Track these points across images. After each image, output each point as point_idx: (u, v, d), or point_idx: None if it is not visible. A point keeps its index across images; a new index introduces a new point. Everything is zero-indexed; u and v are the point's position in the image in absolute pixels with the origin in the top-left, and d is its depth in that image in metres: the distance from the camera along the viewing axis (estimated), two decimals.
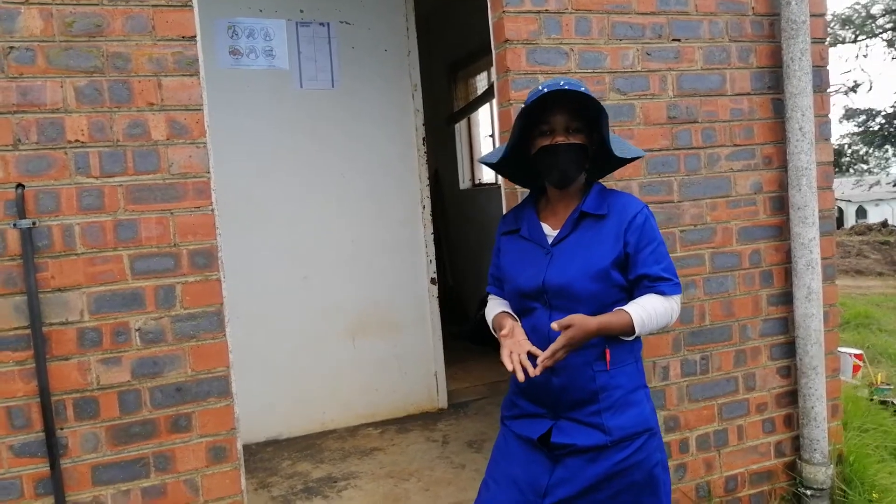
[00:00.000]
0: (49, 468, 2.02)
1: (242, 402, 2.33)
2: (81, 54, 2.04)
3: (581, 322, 1.65)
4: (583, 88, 1.76)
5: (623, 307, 1.75)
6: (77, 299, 2.05)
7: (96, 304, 2.06)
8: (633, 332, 1.73)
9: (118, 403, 2.10)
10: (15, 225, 1.97)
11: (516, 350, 1.71)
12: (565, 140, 1.76)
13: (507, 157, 1.88)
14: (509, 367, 1.68)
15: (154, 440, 2.14)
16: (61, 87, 2.03)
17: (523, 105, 1.81)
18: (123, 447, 2.11)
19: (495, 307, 1.97)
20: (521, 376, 1.65)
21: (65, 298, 2.04)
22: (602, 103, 1.77)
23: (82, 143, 2.05)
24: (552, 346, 1.64)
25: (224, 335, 2.20)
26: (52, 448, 2.02)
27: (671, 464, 2.77)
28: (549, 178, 1.84)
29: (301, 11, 3.79)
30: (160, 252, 2.12)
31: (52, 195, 2.02)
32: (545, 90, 1.74)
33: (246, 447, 3.64)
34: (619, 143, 1.85)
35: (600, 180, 1.95)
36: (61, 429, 2.05)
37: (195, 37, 2.15)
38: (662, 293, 1.77)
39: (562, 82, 1.76)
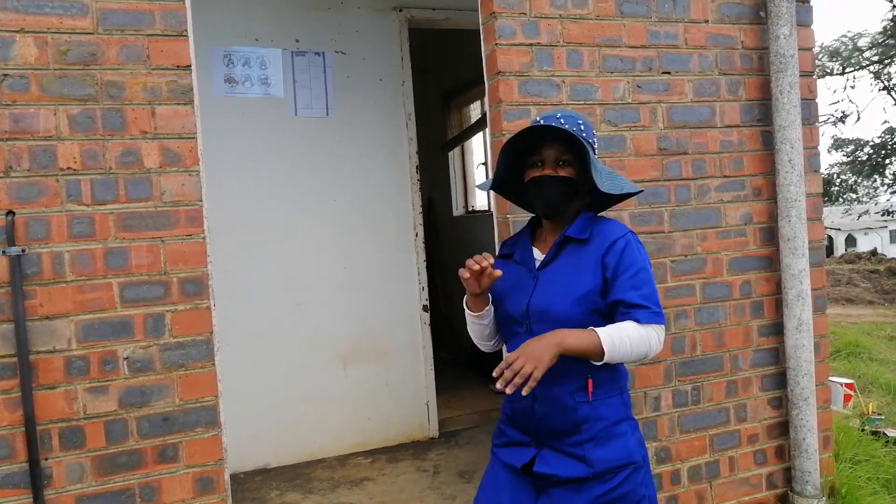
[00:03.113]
0: (32, 500, 1.98)
1: (231, 430, 2.30)
2: (75, 82, 2.05)
3: (541, 336, 1.63)
4: (580, 121, 1.78)
5: (593, 328, 1.69)
6: (65, 327, 2.03)
7: (84, 332, 2.05)
8: (603, 355, 1.66)
9: (104, 433, 2.07)
10: (4, 252, 1.96)
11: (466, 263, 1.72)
12: (553, 173, 1.78)
13: (504, 185, 1.91)
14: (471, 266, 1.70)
15: (140, 470, 2.10)
16: (54, 114, 2.03)
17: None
18: (109, 477, 2.07)
19: None
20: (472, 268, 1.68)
21: (53, 326, 2.02)
22: (593, 138, 1.79)
23: (74, 170, 2.05)
24: (510, 355, 1.60)
25: (213, 364, 2.18)
26: (36, 479, 1.98)
27: (663, 496, 2.75)
28: (536, 208, 1.87)
29: (297, 41, 3.83)
30: (150, 280, 2.11)
31: (43, 222, 2.02)
32: (541, 122, 1.76)
33: (234, 476, 3.59)
34: (611, 178, 1.83)
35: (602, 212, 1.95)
36: (46, 459, 2.01)
37: (190, 66, 2.16)
38: (637, 320, 1.69)
39: (558, 114, 1.78)
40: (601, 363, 1.70)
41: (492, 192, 2.11)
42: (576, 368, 1.72)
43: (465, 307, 1.91)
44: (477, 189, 6.12)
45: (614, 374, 1.80)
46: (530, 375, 1.56)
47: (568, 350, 1.63)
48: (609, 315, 1.77)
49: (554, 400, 1.74)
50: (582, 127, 1.77)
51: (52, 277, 2.02)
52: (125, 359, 2.09)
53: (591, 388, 1.74)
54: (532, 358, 1.58)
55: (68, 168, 2.04)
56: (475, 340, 1.99)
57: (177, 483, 2.14)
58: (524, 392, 1.59)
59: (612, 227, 1.82)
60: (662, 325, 1.75)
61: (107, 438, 2.07)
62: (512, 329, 1.83)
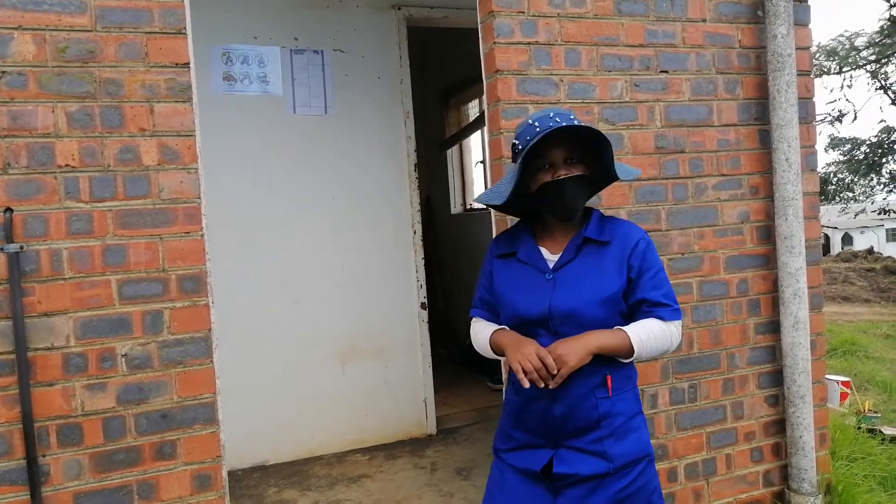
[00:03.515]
0: (29, 496, 1.98)
1: (229, 427, 2.30)
2: (74, 80, 2.05)
3: (575, 337, 1.69)
4: (572, 117, 1.77)
5: (620, 327, 1.74)
6: (63, 324, 2.03)
7: (83, 329, 2.05)
8: (632, 353, 1.72)
9: (102, 430, 2.07)
10: (2, 249, 1.96)
11: (537, 355, 1.68)
12: (567, 173, 1.75)
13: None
14: (528, 369, 1.66)
15: (138, 468, 2.11)
16: (53, 111, 2.03)
17: (514, 141, 1.81)
18: (107, 475, 2.07)
19: (486, 327, 1.93)
20: (525, 382, 1.67)
21: (51, 323, 2.02)
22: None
23: (73, 167, 2.05)
24: (540, 351, 1.68)
25: (211, 361, 2.18)
26: (34, 476, 1.98)
27: None
28: (554, 213, 1.82)
29: (295, 39, 3.83)
30: (148, 277, 2.11)
31: (41, 219, 2.01)
32: (536, 124, 1.73)
33: (232, 473, 3.59)
34: (618, 166, 1.84)
35: (598, 207, 1.96)
36: (44, 456, 2.01)
37: (188, 64, 2.16)
38: (661, 318, 1.77)
39: (551, 113, 1.76)
40: (629, 361, 1.76)
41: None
42: (595, 366, 1.72)
43: (489, 345, 1.89)
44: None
45: (628, 370, 1.82)
46: (556, 374, 1.65)
47: (600, 350, 1.70)
48: (630, 315, 1.80)
49: (575, 399, 1.74)
50: (573, 119, 1.76)
51: (50, 274, 2.02)
52: (123, 356, 2.09)
53: (610, 384, 1.75)
54: (558, 358, 1.66)
55: (67, 165, 2.04)
56: (488, 357, 1.98)
57: (174, 480, 2.14)
58: (552, 386, 1.67)
59: (631, 229, 1.84)
60: (681, 321, 1.84)
61: (105, 435, 2.07)
62: (528, 330, 1.80)
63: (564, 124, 1.70)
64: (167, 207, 2.13)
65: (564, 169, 1.76)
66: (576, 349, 1.67)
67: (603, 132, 1.74)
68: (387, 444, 4.02)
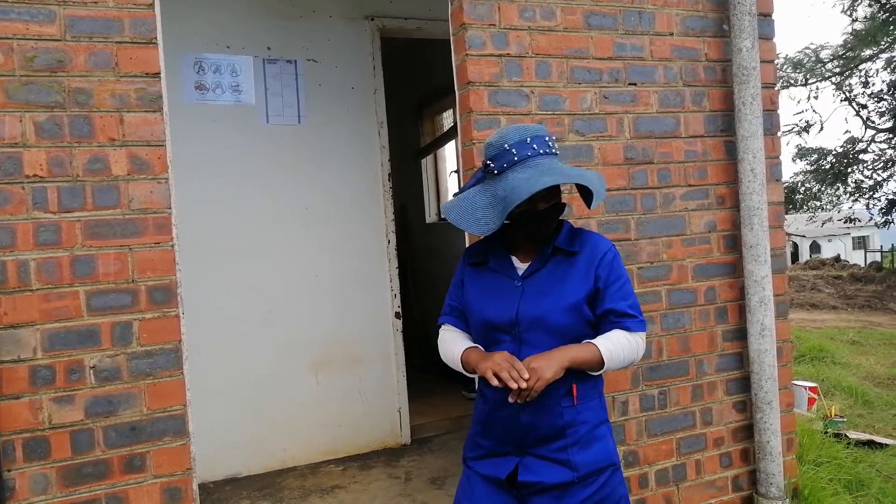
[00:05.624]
0: None
1: (201, 439, 2.28)
2: (42, 89, 2.03)
3: (549, 352, 1.69)
4: (547, 139, 1.76)
5: (590, 340, 1.77)
6: (30, 336, 2.00)
7: (50, 341, 2.02)
8: (602, 366, 1.75)
9: (70, 443, 2.04)
10: None
11: (507, 360, 1.68)
12: (546, 204, 1.78)
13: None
14: (503, 378, 1.65)
15: (106, 481, 2.08)
16: (20, 121, 2.01)
17: (488, 162, 1.78)
18: (74, 489, 2.04)
19: (458, 340, 1.94)
20: (513, 385, 1.64)
21: (18, 335, 1.99)
22: (563, 145, 1.81)
23: (41, 177, 2.02)
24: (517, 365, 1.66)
25: (181, 373, 2.16)
26: None
27: (631, 499, 2.78)
28: (529, 240, 1.84)
29: (268, 49, 3.83)
30: (118, 288, 2.09)
31: (8, 230, 1.99)
32: (514, 151, 1.71)
33: (203, 486, 3.55)
34: (595, 180, 1.81)
35: (569, 216, 1.99)
36: (9, 470, 1.98)
37: (159, 73, 2.16)
38: (628, 329, 1.79)
39: (528, 139, 1.73)
40: (598, 374, 1.79)
41: None
42: (563, 375, 1.74)
43: (460, 363, 1.89)
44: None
45: (594, 379, 1.84)
46: (531, 388, 1.64)
47: (572, 364, 1.71)
48: (595, 324, 1.82)
49: (540, 408, 1.76)
50: (549, 143, 1.77)
51: (17, 286, 1.99)
52: (92, 368, 2.06)
53: (575, 393, 1.77)
54: (533, 372, 1.65)
55: (34, 175, 2.02)
56: (453, 368, 1.98)
57: (144, 493, 2.12)
58: (528, 399, 1.66)
59: (599, 240, 1.88)
60: (646, 332, 1.86)
61: (72, 448, 2.04)
62: (494, 337, 1.83)
63: (553, 178, 1.68)
64: (137, 218, 2.12)
65: (544, 200, 1.77)
66: (550, 363, 1.67)
67: (572, 143, 1.76)
68: (360, 454, 4.01)
